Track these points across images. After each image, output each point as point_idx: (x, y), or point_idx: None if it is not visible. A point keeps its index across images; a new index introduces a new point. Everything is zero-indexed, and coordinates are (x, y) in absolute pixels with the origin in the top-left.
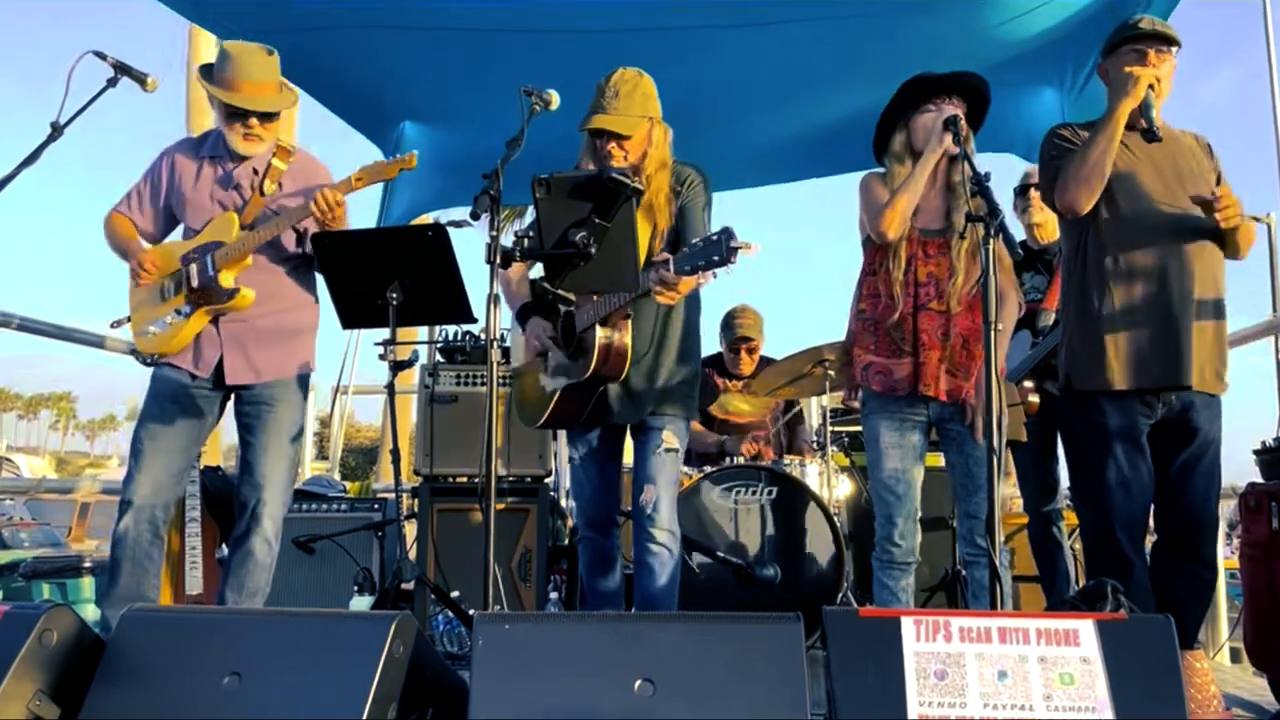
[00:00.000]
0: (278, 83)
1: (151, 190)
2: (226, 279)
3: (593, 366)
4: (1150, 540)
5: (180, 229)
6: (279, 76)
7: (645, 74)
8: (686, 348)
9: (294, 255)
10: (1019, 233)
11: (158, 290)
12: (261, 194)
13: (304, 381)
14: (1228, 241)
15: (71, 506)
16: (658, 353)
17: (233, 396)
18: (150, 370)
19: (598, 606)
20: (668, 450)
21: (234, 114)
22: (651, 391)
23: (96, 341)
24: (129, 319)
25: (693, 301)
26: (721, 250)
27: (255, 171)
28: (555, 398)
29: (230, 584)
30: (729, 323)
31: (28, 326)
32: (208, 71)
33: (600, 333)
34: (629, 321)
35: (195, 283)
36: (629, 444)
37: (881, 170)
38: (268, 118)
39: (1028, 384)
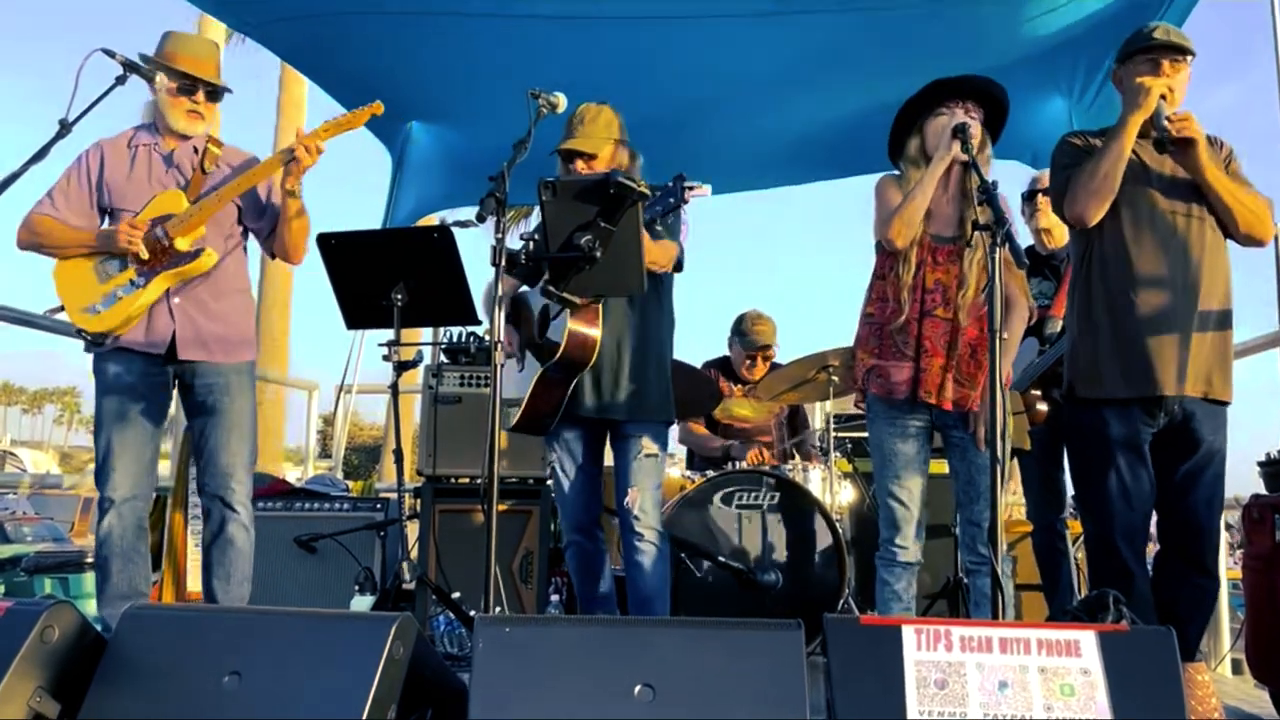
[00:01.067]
0: (219, 65)
1: (82, 185)
2: (183, 245)
3: (562, 349)
4: (1152, 550)
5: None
6: (219, 61)
7: (608, 105)
8: (659, 354)
9: (234, 237)
10: (1026, 238)
11: (97, 270)
12: (203, 172)
13: (253, 369)
14: (1225, 217)
15: (74, 501)
16: (632, 358)
17: (178, 384)
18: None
19: (590, 610)
20: (648, 456)
21: (183, 88)
22: (625, 397)
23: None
24: (61, 307)
25: (666, 312)
26: (677, 192)
27: (195, 150)
28: (530, 390)
29: (217, 574)
30: (745, 329)
31: (34, 322)
32: (147, 57)
33: (569, 321)
34: (599, 309)
35: (146, 253)
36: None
37: (897, 173)
38: (213, 96)
39: (1035, 392)
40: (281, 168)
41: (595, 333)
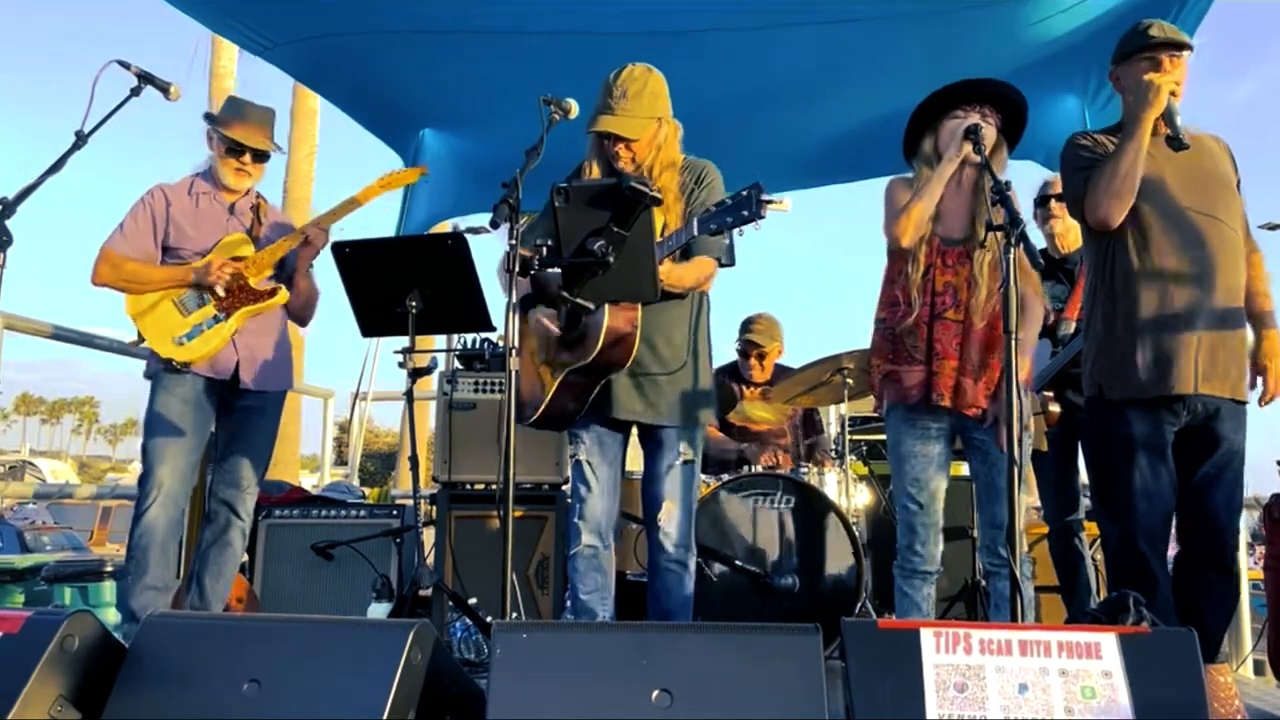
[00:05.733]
0: (270, 133)
1: (149, 224)
2: (254, 283)
3: (597, 349)
4: (1172, 550)
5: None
6: (272, 128)
7: (655, 70)
8: (710, 355)
9: (280, 279)
10: (1039, 242)
11: (177, 305)
12: (259, 222)
13: (285, 396)
14: None
15: (93, 510)
16: (693, 359)
17: (221, 400)
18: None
19: (589, 609)
20: (685, 463)
21: (230, 150)
22: (674, 397)
23: (121, 348)
24: (141, 338)
25: (706, 304)
26: (752, 205)
27: (251, 206)
28: (554, 388)
29: (210, 571)
30: (744, 329)
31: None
32: (211, 117)
33: (608, 317)
34: (638, 309)
35: (222, 290)
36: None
37: (908, 175)
38: (259, 158)
39: (1048, 393)
40: (297, 244)
41: (634, 331)
